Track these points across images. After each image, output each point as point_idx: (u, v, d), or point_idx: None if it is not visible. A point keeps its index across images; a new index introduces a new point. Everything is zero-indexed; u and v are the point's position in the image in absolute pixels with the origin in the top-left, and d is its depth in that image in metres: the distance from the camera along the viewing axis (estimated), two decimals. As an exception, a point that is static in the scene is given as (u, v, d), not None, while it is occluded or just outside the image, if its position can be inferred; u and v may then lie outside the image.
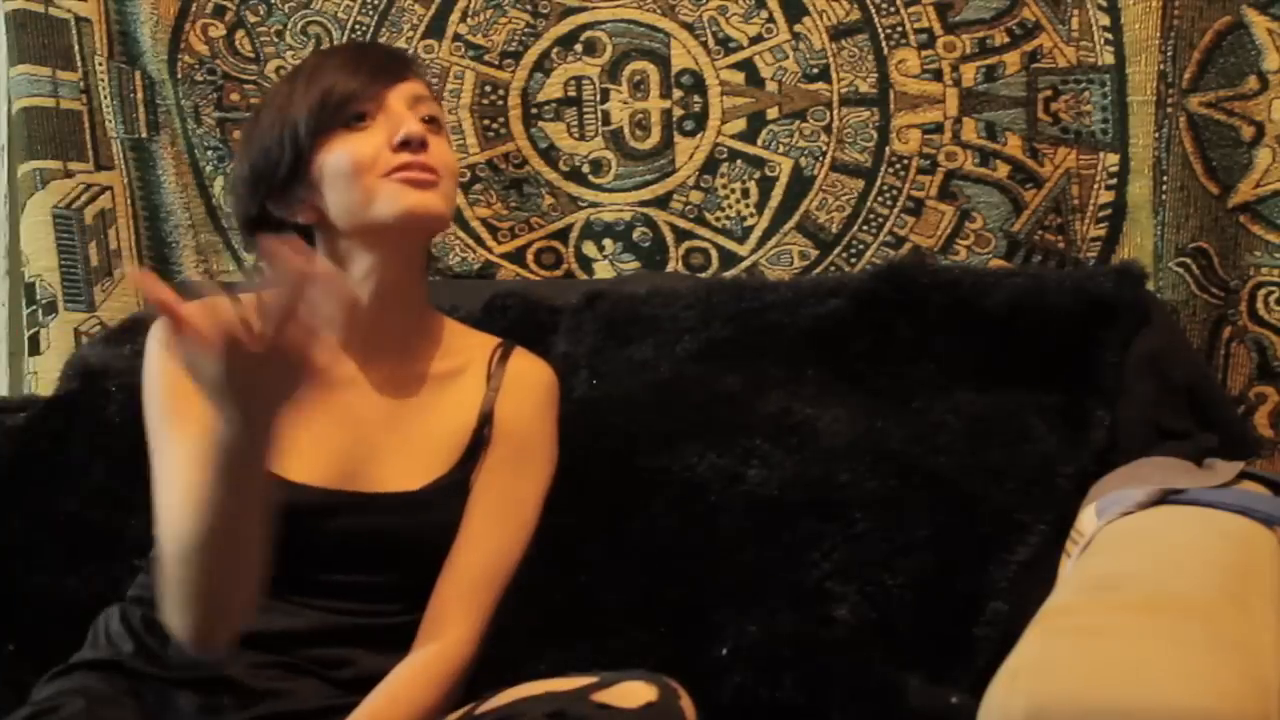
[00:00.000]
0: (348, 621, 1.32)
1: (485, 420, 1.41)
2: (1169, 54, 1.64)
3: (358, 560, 1.33)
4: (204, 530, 1.12)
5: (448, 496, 1.37)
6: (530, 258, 1.88)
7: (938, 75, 1.75)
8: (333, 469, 1.35)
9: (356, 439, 1.37)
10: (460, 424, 1.40)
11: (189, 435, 1.28)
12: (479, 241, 1.88)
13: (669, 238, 1.84)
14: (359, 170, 1.32)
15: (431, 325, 1.44)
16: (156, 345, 1.34)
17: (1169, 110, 1.65)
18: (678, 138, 1.83)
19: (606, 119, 1.85)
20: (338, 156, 1.33)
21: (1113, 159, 1.70)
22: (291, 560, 1.30)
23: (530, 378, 1.45)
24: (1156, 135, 1.67)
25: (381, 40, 1.88)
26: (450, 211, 1.37)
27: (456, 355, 1.44)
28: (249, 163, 1.38)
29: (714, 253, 1.83)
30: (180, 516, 1.16)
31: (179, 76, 1.93)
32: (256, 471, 1.10)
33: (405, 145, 1.32)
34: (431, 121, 1.37)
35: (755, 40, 1.80)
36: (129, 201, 1.98)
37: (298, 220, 1.37)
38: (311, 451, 1.34)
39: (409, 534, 1.35)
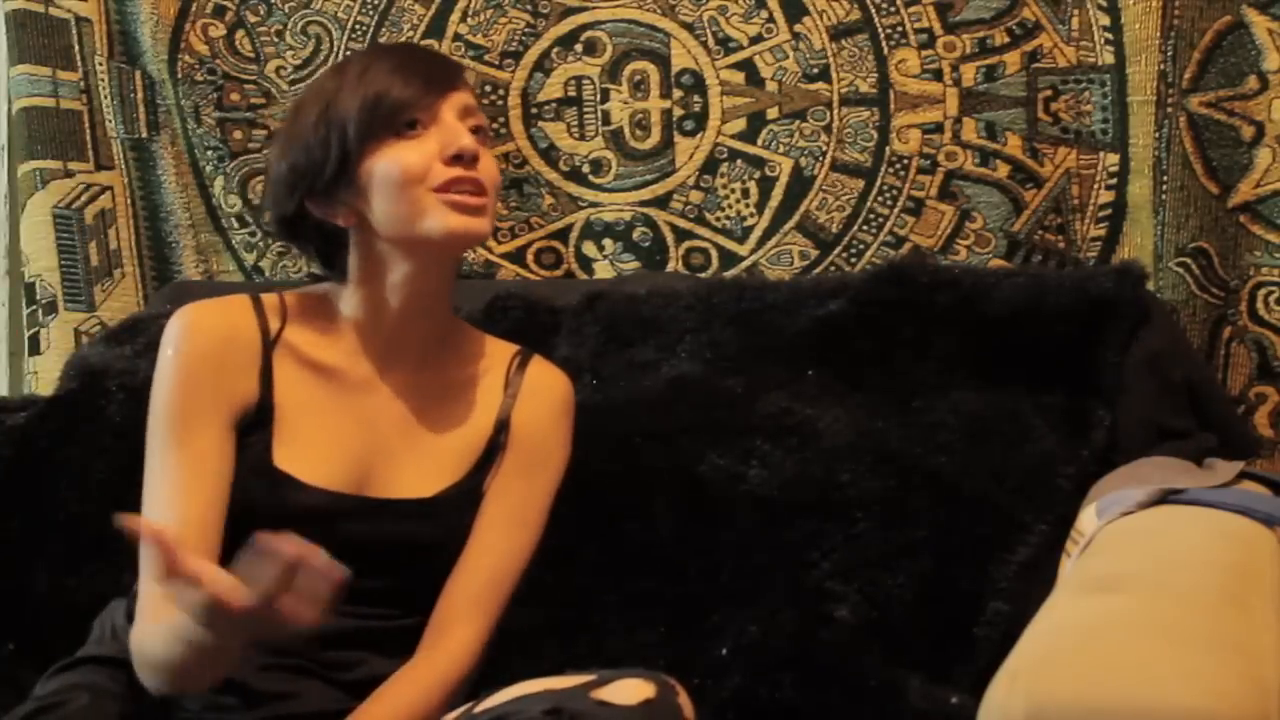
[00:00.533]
0: (358, 625, 1.32)
1: (502, 427, 1.41)
2: (1169, 54, 1.64)
3: (369, 565, 1.32)
4: (175, 661, 1.17)
5: (460, 503, 1.37)
6: (530, 258, 1.88)
7: (938, 75, 1.75)
8: (347, 473, 1.34)
9: (371, 443, 1.37)
10: (476, 431, 1.40)
11: (190, 456, 1.30)
12: (479, 241, 1.88)
13: (669, 238, 1.84)
14: (409, 181, 1.31)
15: (453, 333, 1.44)
16: (172, 351, 1.34)
17: (1169, 110, 1.65)
18: (678, 138, 1.83)
19: (606, 119, 1.85)
20: (387, 165, 1.31)
21: (1113, 159, 1.70)
22: None
23: (547, 385, 1.45)
24: (1156, 135, 1.67)
25: (383, 39, 1.88)
26: (491, 227, 1.37)
27: (475, 362, 1.44)
28: (290, 161, 1.36)
29: (714, 253, 1.83)
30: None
31: (179, 76, 1.93)
32: (228, 658, 1.15)
33: (458, 159, 1.31)
34: (479, 133, 1.36)
35: (755, 40, 1.80)
36: (129, 201, 1.98)
37: (336, 222, 1.36)
38: (326, 454, 1.34)
39: (421, 540, 1.35)
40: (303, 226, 1.39)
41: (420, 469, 1.37)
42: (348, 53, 1.88)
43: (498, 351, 1.46)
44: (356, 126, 1.32)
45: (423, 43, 1.87)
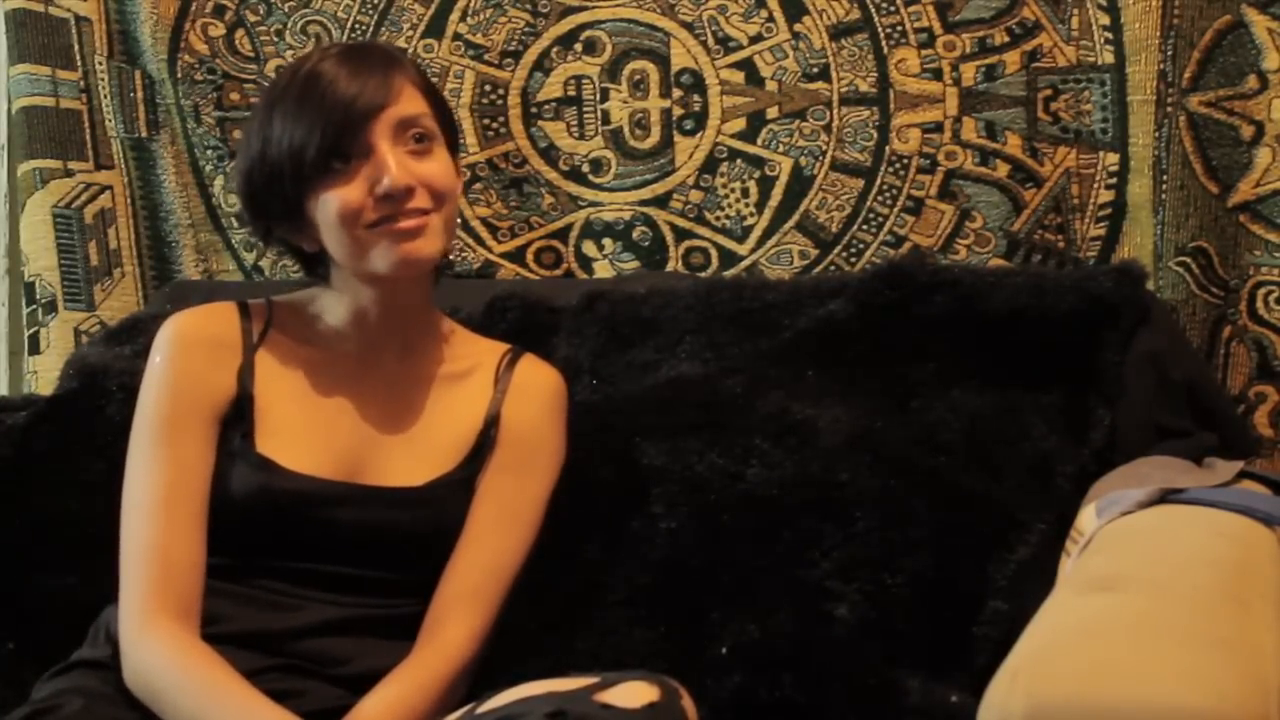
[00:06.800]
0: (349, 614, 1.33)
1: (492, 422, 1.41)
2: (1169, 53, 1.64)
3: (360, 553, 1.34)
4: None
5: (451, 494, 1.38)
6: (530, 257, 1.88)
7: (938, 75, 1.75)
8: (336, 461, 1.36)
9: (360, 433, 1.38)
10: (466, 425, 1.41)
11: (174, 456, 1.32)
12: (479, 241, 1.89)
13: (669, 237, 1.84)
14: (346, 221, 1.31)
15: (436, 325, 1.46)
16: (162, 356, 1.37)
17: (1169, 110, 1.65)
18: (677, 137, 1.83)
19: (606, 118, 1.85)
20: (325, 204, 1.31)
21: (1112, 158, 1.70)
22: (294, 551, 1.31)
23: (538, 382, 1.45)
24: (1156, 135, 1.67)
25: (382, 39, 1.88)
26: (446, 242, 1.35)
27: (464, 358, 1.45)
28: (244, 198, 1.38)
29: (714, 252, 1.83)
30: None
31: (179, 76, 1.93)
32: None
33: (387, 198, 1.30)
34: (422, 141, 1.34)
35: (755, 40, 1.80)
36: (129, 201, 1.98)
37: (302, 247, 1.38)
38: (311, 443, 1.36)
39: (411, 529, 1.36)
40: (279, 242, 1.42)
41: (410, 459, 1.38)
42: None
43: (487, 349, 1.48)
44: (290, 175, 1.31)
45: (421, 42, 1.87)
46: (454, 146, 1.40)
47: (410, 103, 1.34)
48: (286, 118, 1.32)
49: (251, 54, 1.93)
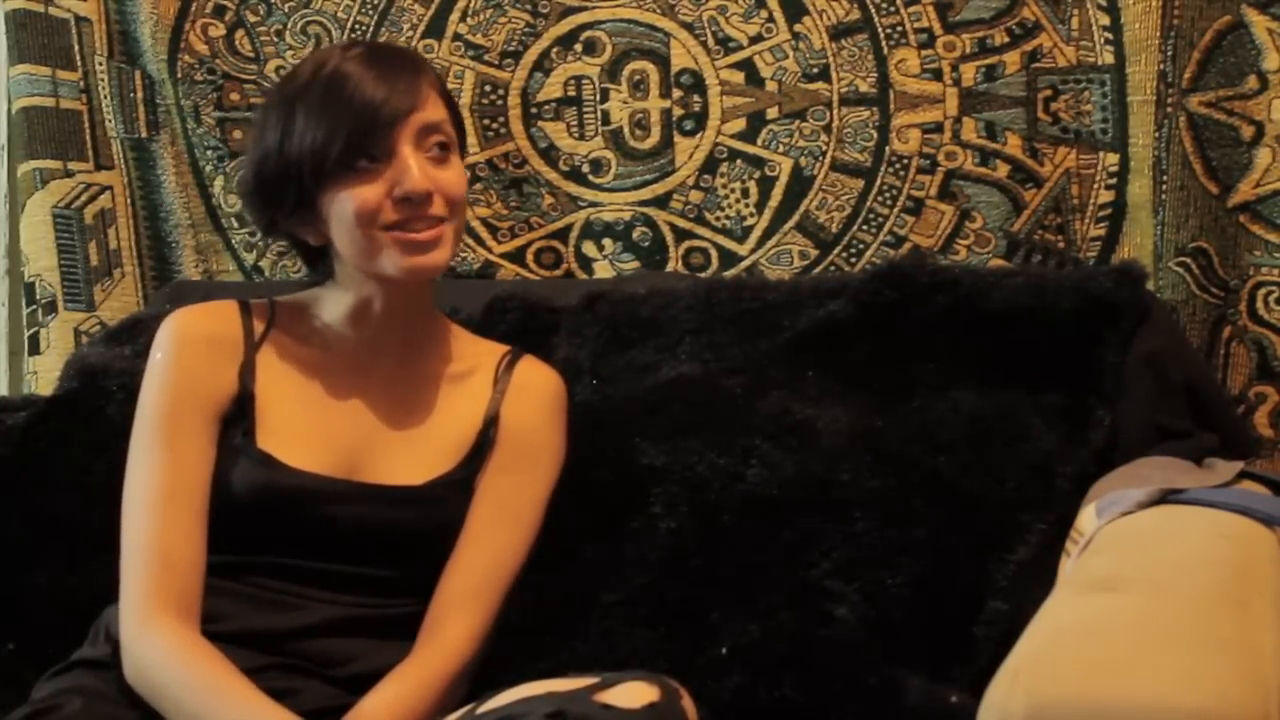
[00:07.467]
0: (349, 613, 1.33)
1: (491, 423, 1.42)
2: (1169, 54, 1.64)
3: (359, 551, 1.34)
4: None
5: (450, 494, 1.38)
6: (530, 257, 1.88)
7: (938, 75, 1.75)
8: (336, 458, 1.36)
9: (360, 432, 1.38)
10: (466, 425, 1.41)
11: (174, 457, 1.33)
12: (479, 241, 1.89)
13: (669, 237, 1.84)
14: (361, 220, 1.31)
15: (437, 327, 1.46)
16: (163, 353, 1.37)
17: (1169, 110, 1.65)
18: (677, 137, 1.83)
19: (606, 119, 1.85)
20: (342, 202, 1.32)
21: (1112, 159, 1.70)
22: (294, 549, 1.32)
23: (537, 383, 1.46)
24: (1156, 135, 1.67)
25: (383, 39, 1.88)
26: (454, 251, 1.36)
27: (464, 359, 1.45)
28: (253, 188, 1.37)
29: (714, 252, 1.83)
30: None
31: (179, 76, 1.93)
32: None
33: (406, 201, 1.31)
34: (442, 149, 1.34)
35: (755, 40, 1.80)
36: (129, 201, 1.98)
37: (308, 240, 1.38)
38: (312, 441, 1.36)
39: (410, 527, 1.36)
40: (282, 234, 1.42)
41: (410, 458, 1.39)
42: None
43: (487, 350, 1.48)
44: (310, 171, 1.31)
45: (421, 42, 1.87)
46: (464, 152, 1.42)
47: (434, 109, 1.35)
48: (309, 115, 1.32)
49: (251, 54, 1.93)
